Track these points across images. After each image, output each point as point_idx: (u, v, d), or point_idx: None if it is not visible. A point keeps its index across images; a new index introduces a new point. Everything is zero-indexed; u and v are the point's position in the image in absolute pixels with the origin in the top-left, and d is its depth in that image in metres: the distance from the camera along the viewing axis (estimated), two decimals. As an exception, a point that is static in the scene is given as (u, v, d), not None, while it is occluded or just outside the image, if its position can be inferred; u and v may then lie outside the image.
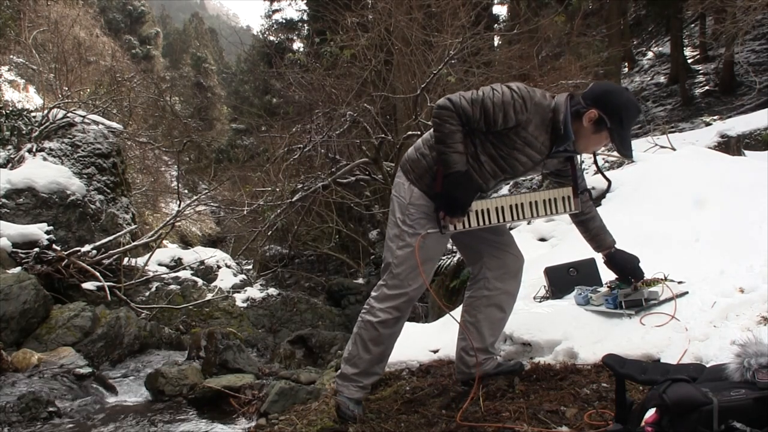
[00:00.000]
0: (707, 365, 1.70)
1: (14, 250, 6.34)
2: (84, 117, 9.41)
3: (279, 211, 10.03)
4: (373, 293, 2.37)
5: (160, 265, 8.91)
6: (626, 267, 2.53)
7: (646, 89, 18.69)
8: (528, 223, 6.19)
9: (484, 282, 2.44)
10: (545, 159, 2.24)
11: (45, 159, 8.34)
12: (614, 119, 2.10)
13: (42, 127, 8.70)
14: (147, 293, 7.74)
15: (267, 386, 3.89)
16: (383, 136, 9.33)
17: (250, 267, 11.76)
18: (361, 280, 11.51)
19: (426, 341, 3.21)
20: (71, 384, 4.13)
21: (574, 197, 2.34)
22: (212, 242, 17.66)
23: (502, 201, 2.27)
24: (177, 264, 9.18)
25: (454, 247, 7.91)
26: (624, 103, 2.12)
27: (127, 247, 8.15)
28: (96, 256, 7.32)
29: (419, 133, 7.92)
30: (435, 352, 3.12)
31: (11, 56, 16.40)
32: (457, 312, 2.59)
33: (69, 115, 9.20)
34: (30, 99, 15.15)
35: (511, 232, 6.11)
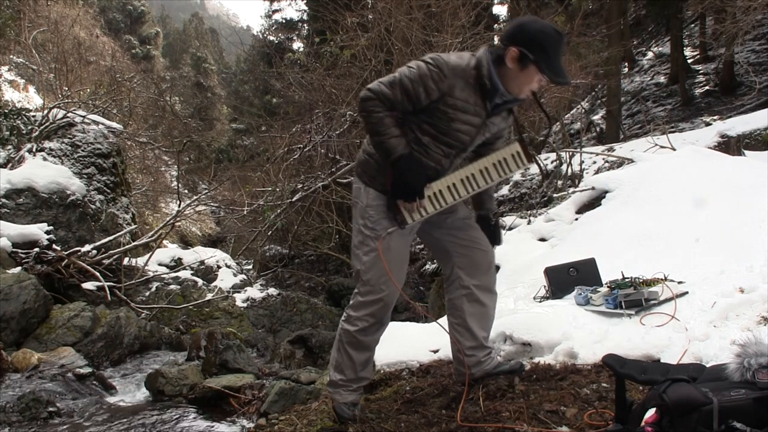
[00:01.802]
0: (707, 365, 1.70)
1: (14, 250, 6.34)
2: (84, 117, 9.41)
3: (279, 211, 10.03)
4: (350, 302, 2.35)
5: (160, 265, 8.91)
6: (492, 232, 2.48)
7: (646, 89, 18.69)
8: (528, 223, 6.19)
9: (458, 281, 2.40)
10: (486, 120, 2.17)
11: (45, 159, 8.33)
12: (535, 50, 2.00)
13: (42, 127, 8.70)
14: (147, 293, 7.73)
15: (267, 386, 3.89)
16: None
17: (250, 267, 11.75)
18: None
19: (426, 341, 3.21)
20: (71, 384, 4.13)
21: (524, 151, 2.22)
22: (212, 242, 17.64)
23: (452, 177, 2.18)
24: (177, 264, 9.17)
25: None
26: (540, 31, 2.02)
27: (127, 247, 8.14)
28: (96, 256, 7.32)
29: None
30: (435, 352, 3.11)
31: (11, 56, 16.40)
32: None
33: (69, 115, 9.20)
34: (30, 99, 15.16)
35: (511, 232, 6.12)
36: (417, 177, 2.10)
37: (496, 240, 2.46)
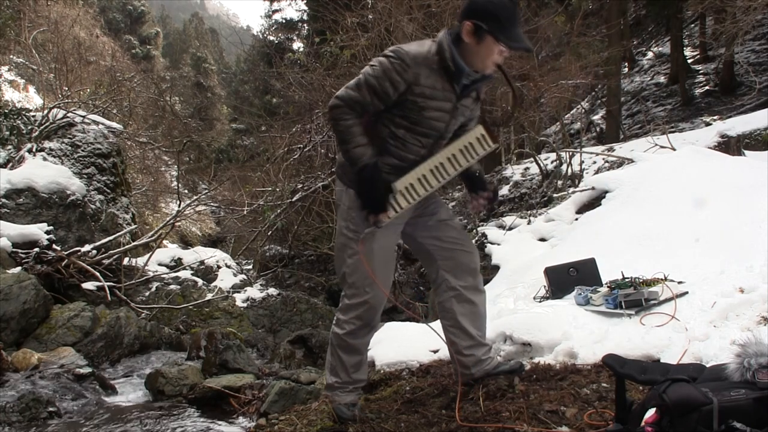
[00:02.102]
0: (707, 365, 1.70)
1: (14, 250, 6.33)
2: (84, 117, 9.41)
3: (279, 211, 10.04)
4: (339, 306, 2.36)
5: (160, 265, 8.90)
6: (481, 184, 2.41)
7: (646, 89, 18.69)
8: (528, 223, 6.19)
9: (445, 283, 2.38)
10: (458, 103, 2.15)
11: (45, 159, 8.33)
12: (488, 20, 1.98)
13: (42, 127, 8.69)
14: (147, 293, 7.73)
15: (267, 386, 3.89)
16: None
17: (250, 267, 11.75)
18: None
19: (426, 341, 3.20)
20: (71, 384, 4.13)
21: (488, 133, 2.19)
22: (212, 242, 17.63)
23: (421, 169, 2.17)
24: (177, 264, 9.16)
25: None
26: (490, 1, 1.99)
27: (127, 247, 8.14)
28: (96, 256, 7.32)
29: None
30: (435, 352, 3.11)
31: (11, 56, 16.40)
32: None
33: (69, 115, 9.19)
34: (30, 99, 15.16)
35: (511, 232, 6.12)
36: (378, 188, 2.08)
37: (483, 185, 2.40)
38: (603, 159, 8.76)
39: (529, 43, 2.06)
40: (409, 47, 2.08)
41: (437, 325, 2.57)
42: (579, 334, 2.66)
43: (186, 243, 17.36)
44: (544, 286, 3.51)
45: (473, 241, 6.60)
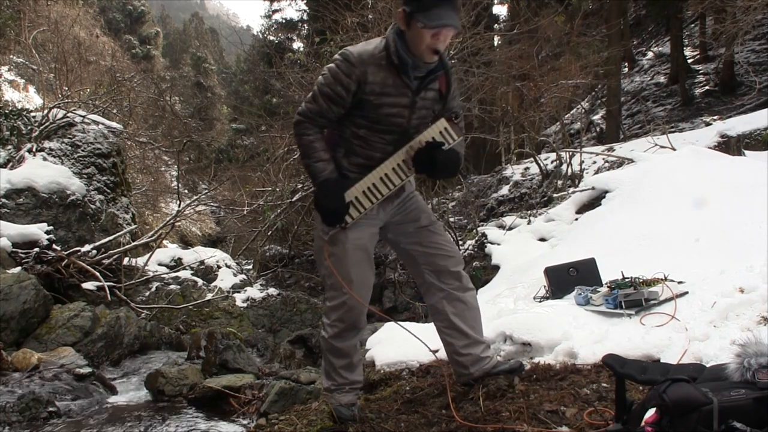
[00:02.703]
0: (707, 365, 1.70)
1: (14, 250, 6.33)
2: (84, 117, 9.40)
3: (279, 211, 10.03)
4: (323, 309, 2.39)
5: (160, 265, 8.90)
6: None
7: (646, 89, 18.69)
8: (528, 223, 6.19)
9: (433, 287, 2.38)
10: (416, 97, 2.13)
11: (45, 159, 8.33)
12: (411, 2, 1.96)
13: (42, 127, 8.69)
14: (147, 293, 7.73)
15: (267, 386, 3.89)
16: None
17: (250, 267, 11.75)
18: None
19: (426, 341, 3.20)
20: (71, 384, 4.13)
21: (451, 124, 2.17)
22: (212, 242, 17.64)
23: (383, 168, 2.18)
24: (177, 264, 9.16)
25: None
26: None
27: (127, 247, 8.14)
28: (96, 256, 7.32)
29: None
30: (435, 352, 3.11)
31: (11, 56, 16.41)
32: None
33: (69, 115, 9.19)
34: (30, 99, 15.17)
35: (511, 232, 6.12)
36: (335, 201, 2.12)
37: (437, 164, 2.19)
38: (603, 159, 8.77)
39: (453, 20, 1.95)
40: (355, 47, 2.11)
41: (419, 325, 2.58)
42: (579, 334, 2.66)
43: (186, 243, 17.37)
44: (544, 286, 3.51)
45: (473, 240, 6.61)
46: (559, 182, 8.52)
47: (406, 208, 2.35)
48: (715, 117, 9.93)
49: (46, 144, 8.55)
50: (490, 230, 6.30)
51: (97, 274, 6.82)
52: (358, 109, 2.13)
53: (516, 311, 3.20)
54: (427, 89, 2.15)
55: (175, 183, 14.28)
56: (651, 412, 1.45)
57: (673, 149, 6.91)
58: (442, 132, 2.16)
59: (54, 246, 6.77)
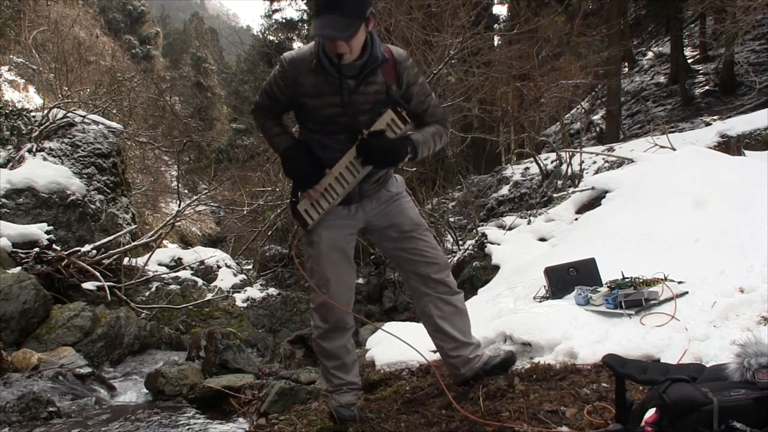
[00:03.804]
0: (707, 365, 1.70)
1: (14, 250, 6.33)
2: (84, 117, 9.40)
3: (279, 211, 10.03)
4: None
5: (160, 265, 8.90)
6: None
7: (646, 89, 18.69)
8: (528, 223, 6.19)
9: (419, 291, 2.39)
10: (354, 94, 2.11)
11: (45, 159, 8.32)
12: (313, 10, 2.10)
13: (42, 127, 8.68)
14: (147, 293, 7.73)
15: (267, 386, 3.89)
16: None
17: (250, 267, 11.75)
18: (360, 280, 11.51)
19: (426, 341, 3.20)
20: (71, 384, 4.13)
21: (398, 116, 2.14)
22: (212, 242, 17.64)
23: (338, 167, 2.20)
24: (177, 264, 9.17)
25: (454, 247, 7.91)
26: None
27: (127, 247, 8.14)
28: (96, 256, 7.32)
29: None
30: (435, 352, 3.11)
31: (11, 56, 16.40)
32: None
33: (69, 115, 9.18)
34: (30, 99, 15.16)
35: (511, 232, 6.12)
36: (298, 164, 2.21)
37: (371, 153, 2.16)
38: (603, 159, 8.77)
39: (330, 30, 1.94)
40: (291, 52, 2.20)
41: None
42: (579, 334, 2.66)
43: (186, 243, 17.36)
44: (544, 286, 3.51)
45: (473, 240, 6.61)
46: (559, 182, 8.52)
47: (389, 211, 2.34)
48: (715, 117, 9.92)
49: (46, 144, 8.54)
50: (490, 230, 6.30)
51: (97, 274, 6.82)
52: (303, 112, 2.23)
53: (516, 311, 3.20)
54: (367, 83, 2.13)
55: (175, 183, 14.29)
56: (651, 412, 1.45)
57: (673, 149, 6.91)
58: (389, 123, 2.16)
59: (54, 246, 6.77)
